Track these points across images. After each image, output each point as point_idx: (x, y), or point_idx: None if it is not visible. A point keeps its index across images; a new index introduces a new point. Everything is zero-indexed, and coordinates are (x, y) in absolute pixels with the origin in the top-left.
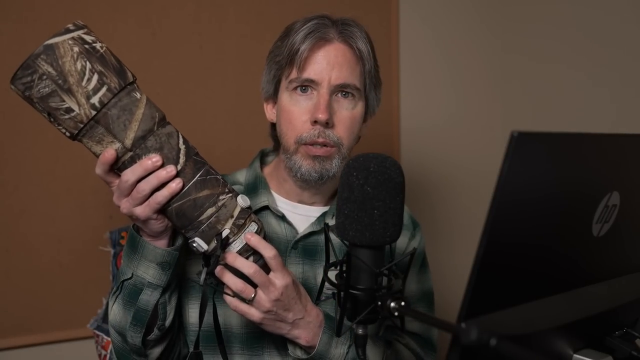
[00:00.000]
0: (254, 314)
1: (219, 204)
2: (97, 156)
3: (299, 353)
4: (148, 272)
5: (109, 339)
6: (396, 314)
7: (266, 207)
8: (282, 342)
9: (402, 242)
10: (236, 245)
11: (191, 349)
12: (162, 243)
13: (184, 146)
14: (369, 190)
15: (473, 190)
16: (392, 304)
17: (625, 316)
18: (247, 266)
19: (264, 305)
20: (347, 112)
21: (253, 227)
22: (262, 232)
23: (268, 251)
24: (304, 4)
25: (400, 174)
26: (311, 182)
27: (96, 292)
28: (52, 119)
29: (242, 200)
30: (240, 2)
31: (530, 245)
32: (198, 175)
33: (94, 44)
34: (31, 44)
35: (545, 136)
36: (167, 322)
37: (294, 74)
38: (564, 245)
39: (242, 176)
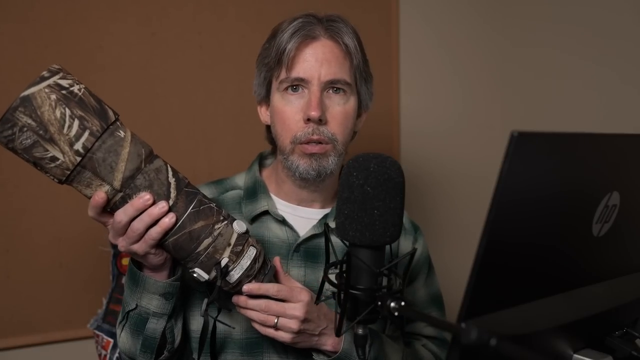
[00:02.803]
0: (283, 335)
1: (215, 233)
2: (89, 198)
3: (322, 357)
4: (152, 302)
5: (109, 339)
6: (396, 314)
7: (266, 212)
8: (281, 347)
9: (406, 246)
10: (236, 272)
11: (194, 356)
12: (163, 275)
13: (173, 179)
14: (369, 190)
15: (473, 190)
16: (392, 304)
17: (625, 316)
18: (271, 287)
19: (291, 327)
20: (340, 107)
21: (252, 251)
22: (261, 256)
23: (272, 289)
24: (304, 4)
25: (400, 174)
26: (310, 180)
27: (96, 292)
28: (38, 168)
29: (238, 226)
30: (240, 2)
31: (530, 245)
32: (191, 208)
33: (71, 88)
34: (31, 44)
35: (545, 136)
36: (176, 343)
37: (283, 74)
38: (564, 245)
39: (241, 180)
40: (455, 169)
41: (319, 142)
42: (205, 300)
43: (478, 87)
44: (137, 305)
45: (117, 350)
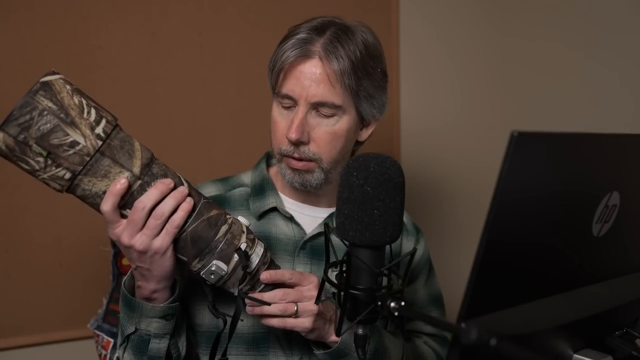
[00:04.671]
0: (304, 322)
1: (229, 221)
2: (97, 199)
3: (322, 350)
4: (151, 325)
5: (109, 339)
6: (396, 314)
7: (274, 209)
8: (286, 341)
9: (408, 247)
10: (254, 258)
11: (200, 351)
12: (164, 295)
13: (179, 175)
14: (369, 190)
15: (473, 190)
16: (392, 304)
17: (625, 316)
18: (285, 272)
19: (312, 309)
20: (327, 128)
21: (261, 244)
22: (268, 251)
23: (286, 274)
24: (304, 4)
25: (400, 174)
26: (297, 189)
27: (96, 292)
28: (49, 161)
29: (244, 219)
30: (240, 2)
31: (531, 245)
32: (203, 198)
33: (76, 86)
34: (31, 44)
35: (545, 136)
36: (182, 355)
37: (277, 88)
38: (564, 245)
39: (247, 178)
40: (455, 169)
41: (300, 159)
42: (237, 284)
43: (478, 87)
44: (136, 328)
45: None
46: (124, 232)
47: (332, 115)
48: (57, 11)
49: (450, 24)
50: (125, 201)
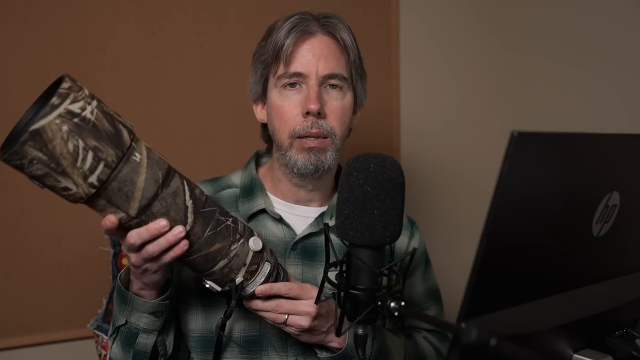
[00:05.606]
0: (291, 330)
1: (231, 255)
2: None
3: (325, 354)
4: (141, 320)
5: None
6: (396, 314)
7: (263, 210)
8: (279, 343)
9: (402, 242)
10: (250, 287)
11: (193, 355)
12: (152, 294)
13: (191, 201)
14: (369, 190)
15: (473, 190)
16: (392, 304)
17: (625, 316)
18: (282, 287)
19: (301, 324)
20: (337, 102)
21: (266, 267)
22: (276, 269)
23: (283, 288)
24: (304, 4)
25: (400, 174)
26: (308, 175)
27: (96, 292)
28: (48, 189)
29: (254, 245)
30: (240, 2)
31: (530, 245)
32: (208, 230)
33: (83, 114)
34: (31, 44)
35: (545, 136)
36: (168, 354)
37: (281, 70)
38: (564, 245)
39: (237, 178)
40: (455, 168)
41: (317, 137)
42: (221, 319)
43: (477, 86)
44: (126, 321)
45: None
46: (123, 245)
47: (340, 88)
48: (58, 11)
49: (448, 23)
50: (125, 228)
